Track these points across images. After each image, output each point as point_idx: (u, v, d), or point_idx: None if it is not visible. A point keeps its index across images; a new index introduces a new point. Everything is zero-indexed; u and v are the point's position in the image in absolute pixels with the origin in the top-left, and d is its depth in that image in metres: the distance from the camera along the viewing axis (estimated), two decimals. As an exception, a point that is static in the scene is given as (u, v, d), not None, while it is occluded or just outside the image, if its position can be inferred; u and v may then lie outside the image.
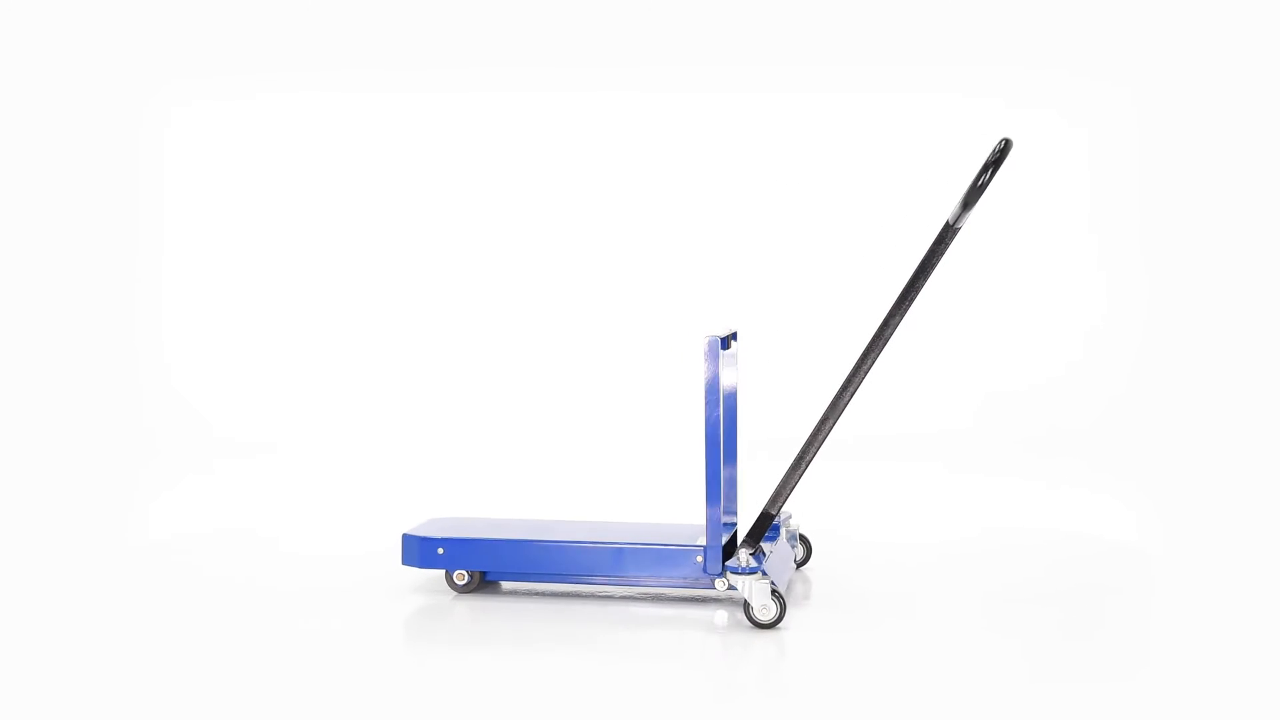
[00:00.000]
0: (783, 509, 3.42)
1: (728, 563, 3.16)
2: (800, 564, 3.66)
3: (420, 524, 3.56)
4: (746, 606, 3.13)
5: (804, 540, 3.68)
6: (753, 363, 6.11)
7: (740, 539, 3.26)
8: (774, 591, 3.12)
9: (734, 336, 3.31)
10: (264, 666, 2.91)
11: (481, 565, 3.40)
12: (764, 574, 3.13)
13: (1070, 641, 3.05)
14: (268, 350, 6.39)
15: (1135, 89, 6.27)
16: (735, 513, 3.41)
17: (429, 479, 5.15)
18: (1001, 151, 3.03)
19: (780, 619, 3.12)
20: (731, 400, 3.30)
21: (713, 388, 3.14)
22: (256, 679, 2.83)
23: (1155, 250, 6.25)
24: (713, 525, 3.16)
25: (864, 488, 4.89)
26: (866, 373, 3.14)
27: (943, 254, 3.11)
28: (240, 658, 2.97)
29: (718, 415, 3.15)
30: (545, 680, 2.82)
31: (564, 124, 6.53)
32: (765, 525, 3.19)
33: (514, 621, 3.23)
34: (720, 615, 3.24)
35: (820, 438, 3.17)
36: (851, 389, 3.14)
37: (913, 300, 3.14)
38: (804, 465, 3.18)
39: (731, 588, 3.17)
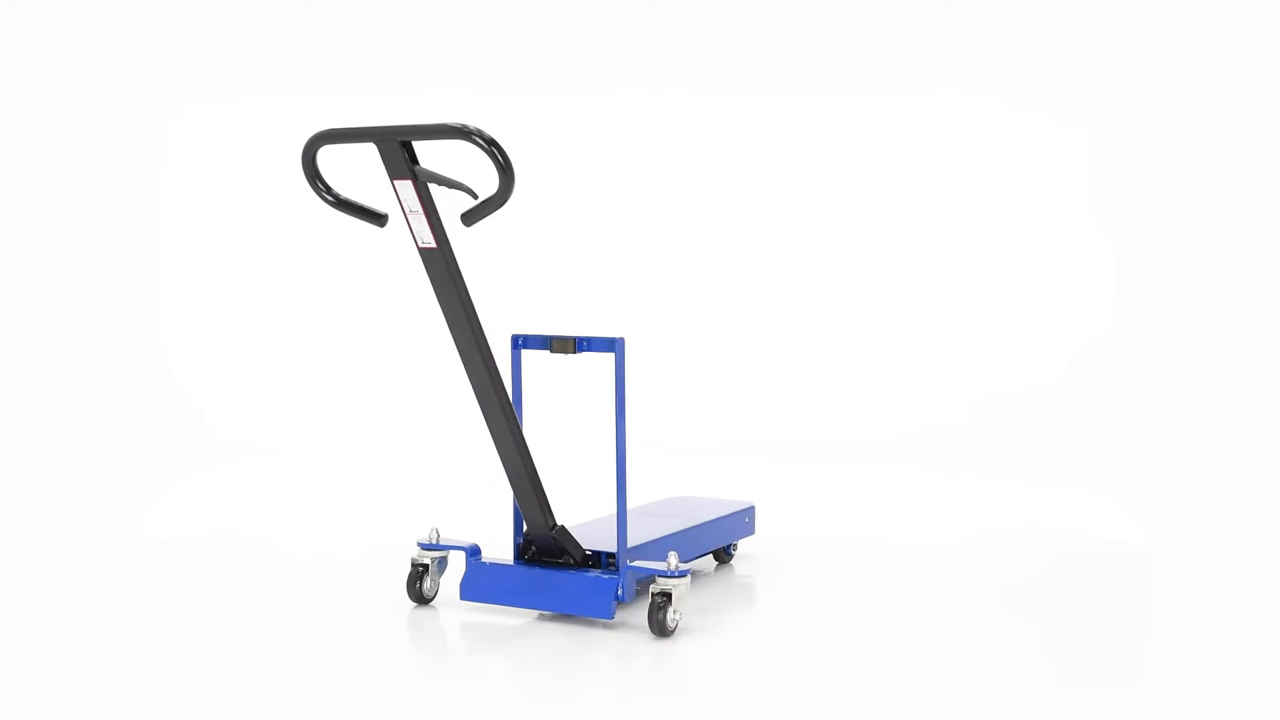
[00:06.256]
0: (679, 561, 3.07)
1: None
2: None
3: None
4: None
5: (662, 599, 3.05)
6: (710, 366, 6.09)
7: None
8: (414, 571, 3.34)
9: (615, 342, 3.15)
10: (262, 666, 2.92)
11: None
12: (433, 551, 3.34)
13: (1070, 642, 3.05)
14: (270, 352, 6.40)
15: (1135, 89, 6.27)
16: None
17: (428, 480, 5.17)
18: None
19: (419, 600, 3.33)
20: (622, 401, 3.16)
21: (515, 387, 3.27)
22: (254, 679, 2.85)
23: (1156, 251, 6.25)
24: (516, 515, 3.25)
25: (863, 488, 4.89)
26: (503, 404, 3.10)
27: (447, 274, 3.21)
28: (239, 657, 2.98)
29: (520, 416, 3.21)
30: (543, 688, 2.84)
31: (562, 123, 6.54)
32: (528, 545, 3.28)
33: (507, 618, 3.24)
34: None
35: (513, 464, 3.13)
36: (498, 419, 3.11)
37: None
38: (523, 486, 3.13)
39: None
